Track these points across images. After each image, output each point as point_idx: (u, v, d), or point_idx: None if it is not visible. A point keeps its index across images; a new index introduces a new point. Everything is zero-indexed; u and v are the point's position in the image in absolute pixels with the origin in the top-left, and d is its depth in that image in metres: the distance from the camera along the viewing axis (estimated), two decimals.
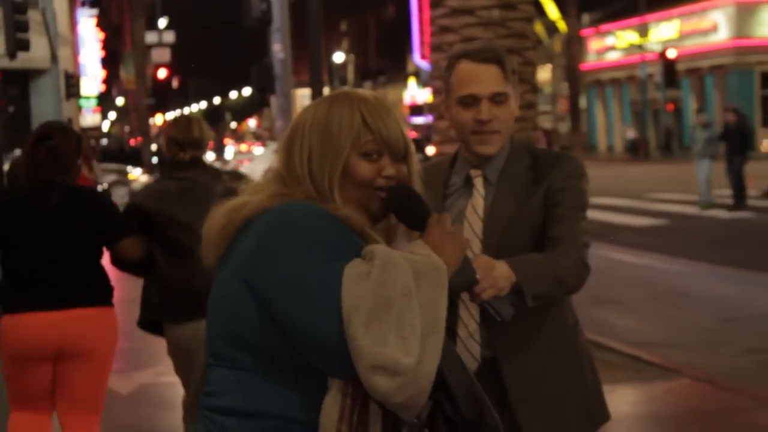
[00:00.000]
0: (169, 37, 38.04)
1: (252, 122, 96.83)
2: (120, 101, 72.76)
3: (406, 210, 2.13)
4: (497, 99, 2.79)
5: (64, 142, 4.48)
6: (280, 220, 1.98)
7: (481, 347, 2.80)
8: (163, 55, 37.63)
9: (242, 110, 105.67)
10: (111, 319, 4.48)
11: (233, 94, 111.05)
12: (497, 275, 2.47)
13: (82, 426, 4.44)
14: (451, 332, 2.56)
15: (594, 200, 17.10)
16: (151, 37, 38.24)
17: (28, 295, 4.35)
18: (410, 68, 59.11)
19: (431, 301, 1.90)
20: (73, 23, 38.18)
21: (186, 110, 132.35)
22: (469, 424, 1.98)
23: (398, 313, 1.84)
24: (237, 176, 4.85)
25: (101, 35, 48.20)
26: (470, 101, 2.79)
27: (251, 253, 1.97)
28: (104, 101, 54.08)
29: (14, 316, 4.35)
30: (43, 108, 29.43)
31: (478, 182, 2.86)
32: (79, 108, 37.48)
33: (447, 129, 7.21)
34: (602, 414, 2.98)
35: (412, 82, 59.29)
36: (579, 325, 2.99)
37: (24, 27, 19.74)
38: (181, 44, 41.04)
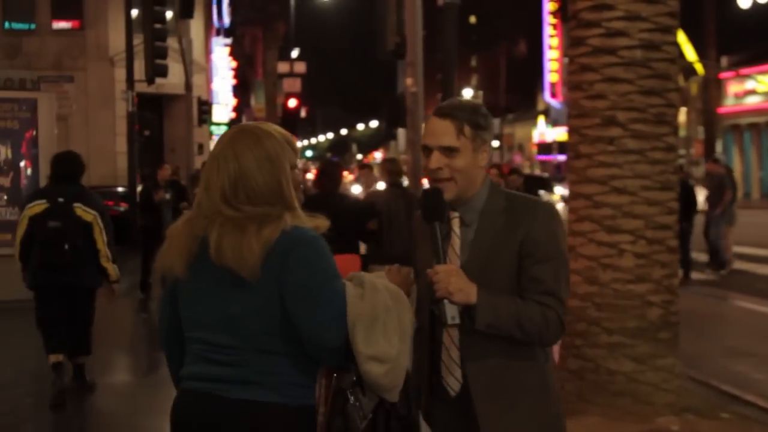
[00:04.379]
0: (301, 67, 38.51)
1: (378, 155, 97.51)
2: None
3: None
4: (447, 151, 3.05)
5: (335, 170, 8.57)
6: (301, 241, 2.73)
7: (461, 369, 3.12)
8: (294, 85, 38.12)
9: (368, 142, 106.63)
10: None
11: (360, 126, 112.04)
12: (453, 281, 2.89)
13: None
14: (434, 360, 3.13)
15: (732, 249, 16.13)
16: (282, 67, 38.77)
17: None
18: (540, 106, 58.59)
19: (400, 315, 2.79)
20: (207, 51, 39.03)
21: (313, 140, 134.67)
22: (401, 418, 2.87)
23: (383, 324, 2.73)
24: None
25: (234, 64, 49.13)
26: (426, 150, 3.09)
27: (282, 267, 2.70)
28: None
29: None
30: (175, 133, 30.09)
31: (455, 224, 3.14)
32: (210, 134, 38.16)
33: (584, 168, 6.90)
34: None
35: (541, 120, 58.78)
36: (550, 362, 3.22)
37: (163, 54, 20.15)
38: (311, 75, 41.56)
